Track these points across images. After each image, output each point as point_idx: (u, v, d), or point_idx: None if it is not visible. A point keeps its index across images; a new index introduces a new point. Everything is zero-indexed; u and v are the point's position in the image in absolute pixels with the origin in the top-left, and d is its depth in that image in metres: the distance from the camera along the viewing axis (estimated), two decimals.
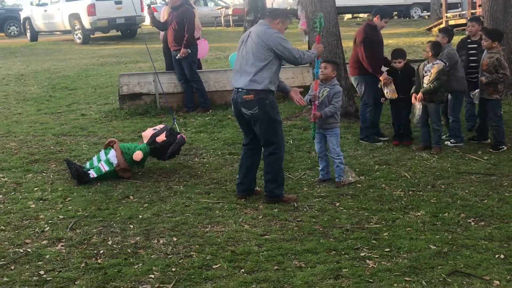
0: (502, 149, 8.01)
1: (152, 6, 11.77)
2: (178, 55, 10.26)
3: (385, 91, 8.20)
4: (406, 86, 8.18)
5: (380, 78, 8.25)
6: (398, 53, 8.40)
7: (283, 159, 6.35)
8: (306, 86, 10.01)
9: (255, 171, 6.41)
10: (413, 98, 8.04)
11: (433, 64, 7.88)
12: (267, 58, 5.90)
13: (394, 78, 8.23)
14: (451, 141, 8.27)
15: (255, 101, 5.92)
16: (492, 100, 8.07)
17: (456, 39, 9.63)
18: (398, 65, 8.27)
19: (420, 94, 7.85)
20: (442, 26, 21.74)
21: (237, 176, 6.48)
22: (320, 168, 6.91)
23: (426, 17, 29.67)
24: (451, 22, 21.77)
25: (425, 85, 7.87)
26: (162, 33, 11.19)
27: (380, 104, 8.70)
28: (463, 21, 19.81)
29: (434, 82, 7.76)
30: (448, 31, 8.65)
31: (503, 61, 7.97)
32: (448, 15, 22.49)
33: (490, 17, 10.79)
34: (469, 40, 8.80)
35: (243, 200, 6.28)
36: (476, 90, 8.35)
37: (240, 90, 5.98)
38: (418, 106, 8.00)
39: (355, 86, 8.81)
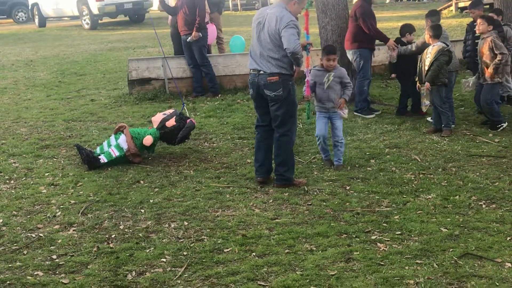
0: (502, 127, 8.04)
1: None
2: (189, 38, 10.23)
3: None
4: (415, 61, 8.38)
5: (388, 44, 8.83)
6: (406, 28, 8.98)
7: (294, 143, 6.34)
8: None
9: (272, 151, 6.40)
10: (418, 87, 8.09)
11: (433, 46, 7.84)
12: None
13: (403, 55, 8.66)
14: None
15: (279, 82, 5.92)
16: (494, 83, 8.08)
17: (466, 21, 9.54)
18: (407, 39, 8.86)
19: (427, 84, 7.81)
20: (451, 8, 21.61)
21: (254, 160, 6.42)
22: (322, 152, 6.89)
23: None
24: (461, 4, 21.57)
25: (426, 67, 7.83)
26: (170, 17, 11.16)
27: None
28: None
29: (434, 63, 7.72)
30: (433, 13, 8.78)
31: (498, 41, 7.99)
32: None
33: None
34: (475, 24, 8.75)
35: (254, 184, 6.28)
36: (470, 78, 8.47)
37: (262, 72, 5.96)
38: (425, 94, 7.99)
39: (352, 60, 8.98)
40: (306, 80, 6.57)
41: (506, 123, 8.11)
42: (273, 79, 5.90)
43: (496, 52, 7.87)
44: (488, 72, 7.96)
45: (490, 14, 8.58)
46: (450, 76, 8.25)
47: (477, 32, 8.25)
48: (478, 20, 8.21)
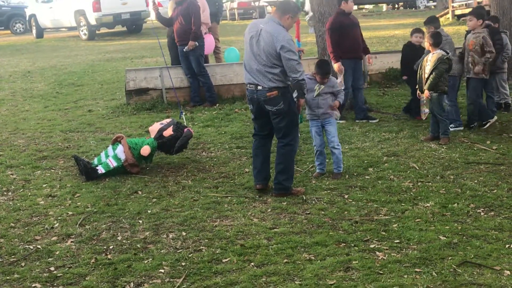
0: (474, 126, 8.30)
1: (157, 1, 11.72)
2: (186, 48, 10.25)
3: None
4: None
5: (335, 67, 8.87)
6: (417, 29, 9.09)
7: (296, 152, 6.36)
8: None
9: (270, 158, 6.40)
10: (418, 95, 8.13)
11: (433, 53, 7.87)
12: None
13: (416, 53, 8.70)
14: (450, 126, 8.26)
15: (279, 97, 5.93)
16: (478, 79, 8.23)
17: (463, 28, 9.58)
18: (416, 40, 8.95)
19: (426, 92, 7.85)
20: (448, 15, 21.68)
21: (252, 167, 6.43)
22: (318, 163, 6.89)
23: (433, 7, 29.57)
24: (458, 12, 21.67)
25: (426, 75, 7.86)
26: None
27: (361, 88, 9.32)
28: (469, 10, 19.70)
29: (433, 71, 7.75)
30: (432, 20, 8.84)
31: (489, 39, 8.10)
32: (455, 4, 22.36)
33: (497, 5, 10.74)
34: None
35: (253, 193, 6.28)
36: None
37: (260, 88, 5.95)
38: (424, 101, 8.03)
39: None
40: None
41: (492, 120, 8.25)
42: (272, 94, 5.91)
43: (485, 49, 7.98)
44: (477, 68, 8.12)
45: (487, 22, 8.61)
46: (454, 80, 8.32)
47: (468, 27, 8.42)
48: (468, 17, 8.40)
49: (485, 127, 8.30)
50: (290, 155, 6.22)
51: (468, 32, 8.97)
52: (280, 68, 5.86)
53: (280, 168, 6.19)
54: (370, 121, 9.08)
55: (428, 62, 7.90)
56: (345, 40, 9.01)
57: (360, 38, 9.32)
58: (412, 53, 8.87)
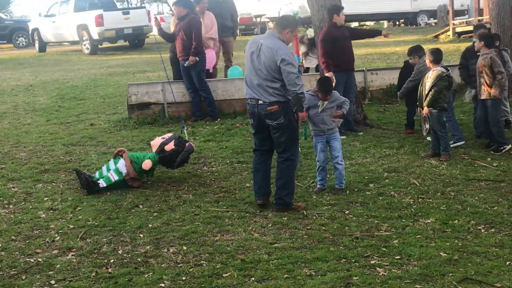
0: (505, 149, 8.09)
1: (160, 16, 11.78)
2: (187, 63, 10.30)
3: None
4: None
5: (328, 74, 8.92)
6: (413, 49, 9.14)
7: (297, 167, 6.36)
8: None
9: (270, 173, 6.41)
10: (418, 111, 8.15)
11: (433, 70, 7.91)
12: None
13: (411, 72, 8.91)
14: (450, 142, 8.26)
15: (280, 111, 5.96)
16: (495, 100, 8.15)
17: (464, 45, 9.62)
18: (412, 61, 9.05)
19: (426, 109, 7.88)
20: (449, 33, 21.76)
21: (253, 182, 6.45)
22: (319, 178, 6.91)
23: (433, 24, 29.63)
24: (458, 29, 21.76)
25: (426, 91, 7.89)
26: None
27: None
28: (469, 28, 19.79)
29: (432, 89, 7.78)
30: (417, 49, 9.08)
31: (496, 59, 8.10)
32: (455, 22, 22.47)
33: (497, 23, 10.80)
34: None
35: (253, 208, 6.29)
36: (473, 90, 8.64)
37: (261, 102, 5.98)
38: (424, 118, 8.05)
39: None
40: None
41: (510, 146, 8.14)
42: (273, 108, 5.94)
43: (494, 70, 7.97)
44: (493, 90, 8.01)
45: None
46: (448, 96, 8.33)
47: (476, 49, 8.44)
48: (476, 40, 8.42)
49: (502, 152, 8.13)
50: (291, 170, 6.23)
51: (469, 50, 9.03)
52: (280, 82, 5.89)
53: (280, 183, 6.20)
54: (354, 133, 9.24)
55: (429, 79, 7.93)
56: (337, 52, 9.15)
57: (351, 50, 9.48)
58: (408, 71, 9.07)
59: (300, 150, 8.12)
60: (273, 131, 6.08)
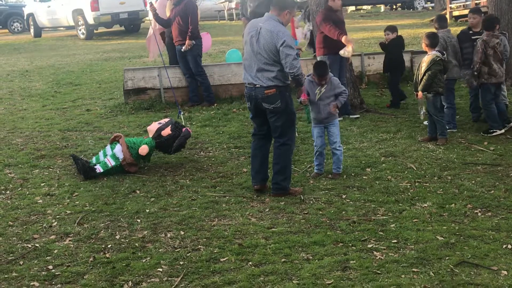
0: (495, 132, 8.16)
1: (155, 1, 11.69)
2: (183, 48, 10.25)
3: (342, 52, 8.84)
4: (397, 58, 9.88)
5: (342, 39, 8.82)
6: (387, 27, 9.82)
7: (293, 152, 6.35)
8: None
9: (268, 159, 6.41)
10: (416, 95, 8.15)
11: (428, 54, 7.89)
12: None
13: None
14: None
15: (277, 94, 5.96)
16: (486, 83, 8.24)
17: (461, 29, 9.57)
18: (387, 37, 9.64)
19: (420, 93, 7.86)
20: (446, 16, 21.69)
21: (251, 167, 6.45)
22: (316, 163, 6.91)
23: (430, 8, 29.55)
24: (455, 13, 21.68)
25: (421, 76, 7.89)
26: None
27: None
28: (467, 12, 19.69)
29: (426, 73, 7.76)
30: (441, 18, 9.12)
31: (480, 46, 8.13)
32: (452, 6, 22.38)
33: (495, 7, 10.75)
34: (471, 32, 8.79)
35: (251, 193, 6.29)
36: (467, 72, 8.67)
37: (259, 86, 5.98)
38: (420, 102, 8.04)
39: None
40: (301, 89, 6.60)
41: (503, 131, 8.15)
42: (270, 92, 5.94)
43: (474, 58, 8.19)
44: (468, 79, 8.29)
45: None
46: (450, 84, 8.33)
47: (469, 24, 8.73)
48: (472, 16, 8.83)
49: (491, 135, 8.19)
50: (287, 154, 6.23)
51: (463, 34, 8.98)
52: (279, 66, 5.89)
53: (277, 168, 6.20)
54: (351, 116, 9.28)
55: (424, 63, 7.91)
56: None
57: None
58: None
59: (297, 135, 8.14)
60: (270, 115, 6.07)
